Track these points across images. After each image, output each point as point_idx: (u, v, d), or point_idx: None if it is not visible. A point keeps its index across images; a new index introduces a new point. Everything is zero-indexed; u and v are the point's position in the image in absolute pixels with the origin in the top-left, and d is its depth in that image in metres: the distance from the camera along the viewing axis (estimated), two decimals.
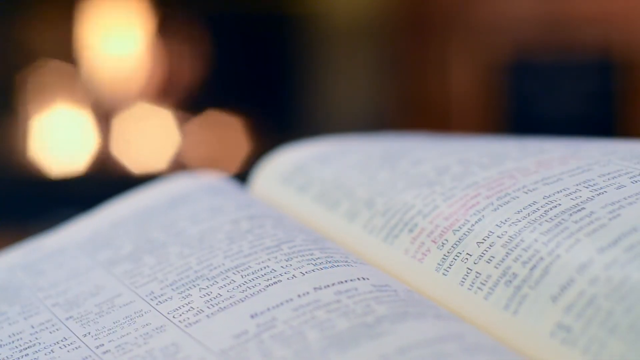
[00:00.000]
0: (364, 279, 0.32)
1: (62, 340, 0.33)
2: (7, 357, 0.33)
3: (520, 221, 0.33)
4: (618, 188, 0.33)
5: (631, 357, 0.27)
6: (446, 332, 0.29)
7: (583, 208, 0.32)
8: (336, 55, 1.73)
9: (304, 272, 0.33)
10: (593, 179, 0.34)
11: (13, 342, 0.34)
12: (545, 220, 0.32)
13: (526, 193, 0.35)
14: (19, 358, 0.33)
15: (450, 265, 0.33)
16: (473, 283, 0.32)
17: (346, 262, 0.34)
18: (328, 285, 0.32)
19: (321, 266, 0.33)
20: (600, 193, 0.33)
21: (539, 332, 0.29)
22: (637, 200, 0.32)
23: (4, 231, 1.35)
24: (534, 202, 0.34)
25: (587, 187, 0.34)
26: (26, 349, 0.33)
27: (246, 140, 1.72)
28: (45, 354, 0.33)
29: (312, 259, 0.34)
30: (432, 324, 0.29)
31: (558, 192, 0.34)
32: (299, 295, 0.31)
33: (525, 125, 1.64)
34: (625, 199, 0.32)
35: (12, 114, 1.66)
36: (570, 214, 0.32)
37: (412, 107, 1.76)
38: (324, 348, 0.28)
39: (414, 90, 1.75)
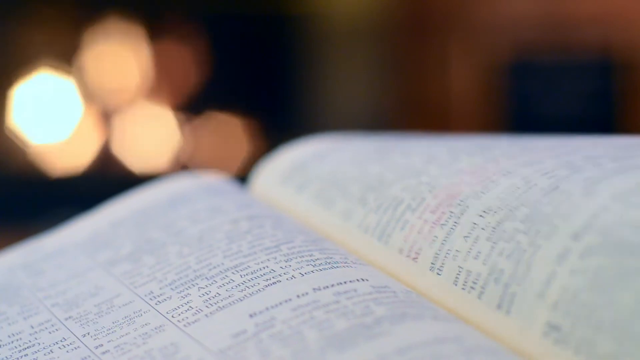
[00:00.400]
0: (363, 280, 0.32)
1: (61, 341, 0.33)
2: (6, 357, 0.33)
3: (501, 209, 0.32)
4: (596, 166, 0.32)
5: (621, 357, 0.26)
6: (445, 334, 0.29)
7: (557, 187, 0.32)
8: (336, 55, 1.73)
9: (303, 273, 0.33)
10: (574, 160, 0.34)
11: (12, 342, 0.34)
12: (523, 205, 0.32)
13: (505, 176, 0.34)
14: (18, 358, 0.33)
15: (443, 263, 0.33)
16: (466, 282, 0.32)
17: (345, 262, 0.34)
18: (327, 286, 0.32)
19: (320, 267, 0.33)
20: (577, 171, 0.32)
21: (532, 332, 0.29)
22: (612, 176, 0.31)
23: (4, 231, 1.35)
24: (513, 184, 0.33)
25: (565, 167, 0.33)
26: (25, 349, 0.33)
27: (246, 141, 1.72)
28: (45, 354, 0.33)
29: (312, 259, 0.34)
30: (430, 325, 0.29)
31: (536, 172, 0.33)
32: (298, 296, 0.31)
33: (525, 125, 1.64)
34: (601, 174, 0.31)
35: (12, 114, 1.66)
36: (546, 194, 0.32)
37: (412, 107, 1.76)
38: (323, 348, 0.28)
39: (414, 90, 1.75)
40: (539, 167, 0.34)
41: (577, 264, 0.28)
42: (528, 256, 0.30)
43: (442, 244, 0.33)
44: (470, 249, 0.32)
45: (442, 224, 0.34)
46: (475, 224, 0.33)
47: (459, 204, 0.34)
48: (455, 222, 0.33)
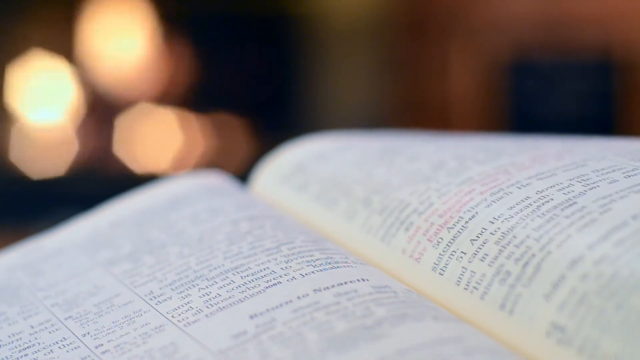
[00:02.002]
0: (363, 280, 0.32)
1: (61, 340, 0.33)
2: (6, 357, 0.33)
3: (512, 217, 0.33)
4: (610, 182, 0.33)
5: (625, 357, 0.27)
6: (445, 335, 0.29)
7: (575, 202, 0.32)
8: (336, 55, 1.73)
9: (304, 274, 0.33)
10: (587, 174, 0.34)
11: (12, 342, 0.34)
12: (537, 216, 0.32)
13: (519, 188, 0.34)
14: (18, 358, 0.33)
15: (446, 264, 0.33)
16: (469, 282, 0.32)
17: (346, 262, 0.34)
18: (328, 287, 0.32)
19: (321, 267, 0.33)
20: (592, 187, 0.33)
21: (535, 332, 0.29)
22: (629, 194, 0.32)
23: (4, 231, 1.35)
24: (527, 197, 0.34)
25: (580, 182, 0.34)
26: (25, 349, 0.33)
27: (246, 140, 1.72)
28: (45, 354, 0.33)
29: (312, 260, 0.34)
30: (431, 325, 0.29)
31: (551, 186, 0.34)
32: (298, 297, 0.31)
33: (525, 125, 1.64)
34: (616, 192, 0.32)
35: (12, 114, 1.66)
36: (562, 209, 0.32)
37: (412, 107, 1.76)
38: (323, 350, 0.28)
39: (414, 91, 1.75)
40: (553, 181, 0.34)
41: (591, 270, 0.29)
42: (537, 261, 0.30)
43: (448, 245, 0.34)
44: (477, 251, 0.32)
45: (449, 228, 0.34)
46: (484, 228, 0.33)
47: (469, 210, 0.34)
48: (463, 226, 0.34)
